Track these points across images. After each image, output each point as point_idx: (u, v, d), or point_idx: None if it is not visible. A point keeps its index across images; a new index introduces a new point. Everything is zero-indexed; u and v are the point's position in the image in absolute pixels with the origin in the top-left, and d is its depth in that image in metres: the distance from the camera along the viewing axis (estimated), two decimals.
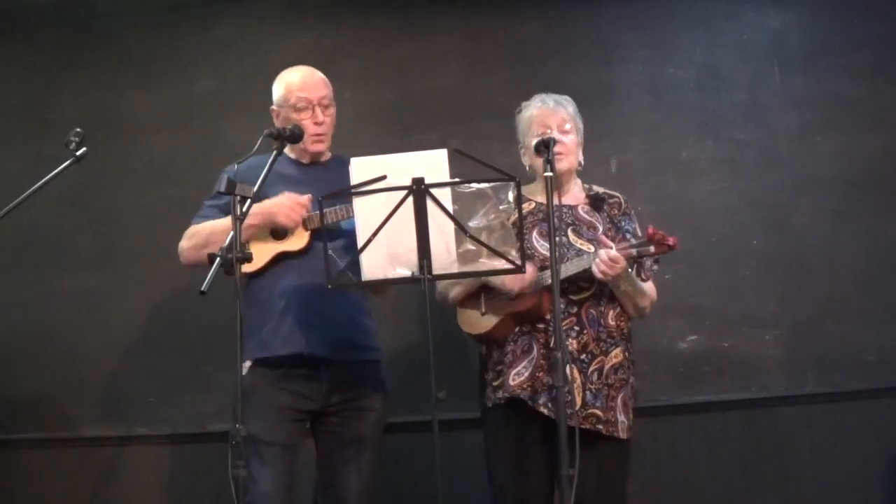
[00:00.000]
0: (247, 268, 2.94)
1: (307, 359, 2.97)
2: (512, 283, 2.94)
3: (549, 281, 2.83)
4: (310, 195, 2.97)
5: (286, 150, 3.05)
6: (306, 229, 3.01)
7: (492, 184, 2.69)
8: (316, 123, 3.09)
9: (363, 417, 3.04)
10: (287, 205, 2.96)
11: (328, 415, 3.03)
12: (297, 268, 3.01)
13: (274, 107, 3.16)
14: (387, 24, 4.19)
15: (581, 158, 3.14)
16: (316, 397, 3.00)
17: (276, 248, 3.02)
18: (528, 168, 3.16)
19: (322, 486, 3.06)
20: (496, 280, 2.96)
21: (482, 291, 3.04)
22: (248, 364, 2.96)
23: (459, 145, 2.88)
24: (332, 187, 2.81)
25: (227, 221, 2.97)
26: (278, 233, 3.02)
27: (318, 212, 2.90)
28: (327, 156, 3.20)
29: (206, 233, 3.03)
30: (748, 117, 3.94)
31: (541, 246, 3.02)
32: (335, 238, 2.96)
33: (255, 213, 2.86)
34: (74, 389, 4.08)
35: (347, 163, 3.02)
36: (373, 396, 3.07)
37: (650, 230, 2.86)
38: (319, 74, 3.18)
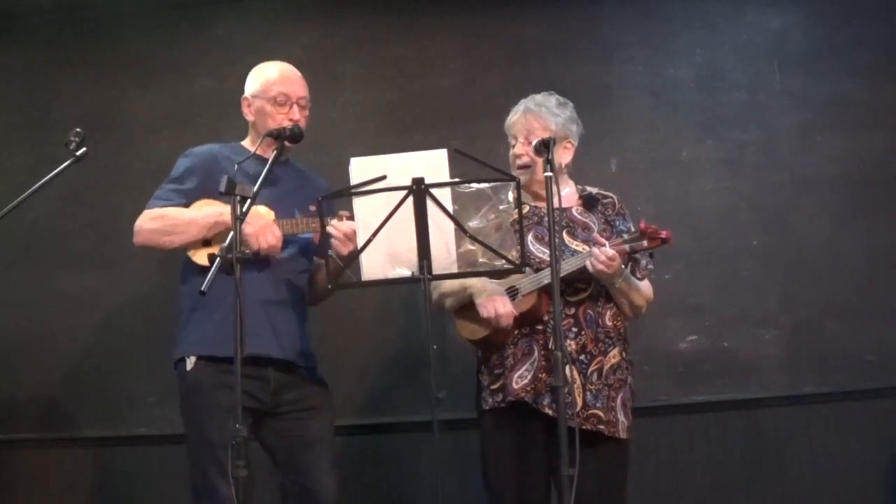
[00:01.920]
0: (200, 261, 2.93)
1: (254, 359, 2.87)
2: (489, 310, 2.91)
3: (547, 280, 2.83)
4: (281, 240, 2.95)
5: (248, 143, 3.08)
6: None
7: (492, 184, 2.69)
8: (291, 120, 3.04)
9: (320, 416, 3.02)
10: (261, 231, 2.90)
11: (278, 416, 2.98)
12: (249, 270, 2.90)
13: (247, 96, 3.13)
14: (387, 24, 4.19)
15: (567, 159, 3.07)
16: (262, 397, 2.94)
17: None
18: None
19: (293, 490, 2.98)
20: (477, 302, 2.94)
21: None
22: (192, 360, 2.92)
23: (459, 145, 2.87)
24: (292, 192, 3.01)
25: (191, 214, 2.96)
26: None
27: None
28: (287, 155, 3.11)
29: (171, 222, 2.97)
30: (748, 117, 3.94)
31: (536, 250, 3.00)
32: (289, 243, 2.98)
33: (226, 223, 2.82)
34: (74, 389, 4.08)
35: (304, 173, 3.16)
36: (322, 395, 3.07)
37: (642, 224, 2.85)
38: (299, 74, 3.16)
